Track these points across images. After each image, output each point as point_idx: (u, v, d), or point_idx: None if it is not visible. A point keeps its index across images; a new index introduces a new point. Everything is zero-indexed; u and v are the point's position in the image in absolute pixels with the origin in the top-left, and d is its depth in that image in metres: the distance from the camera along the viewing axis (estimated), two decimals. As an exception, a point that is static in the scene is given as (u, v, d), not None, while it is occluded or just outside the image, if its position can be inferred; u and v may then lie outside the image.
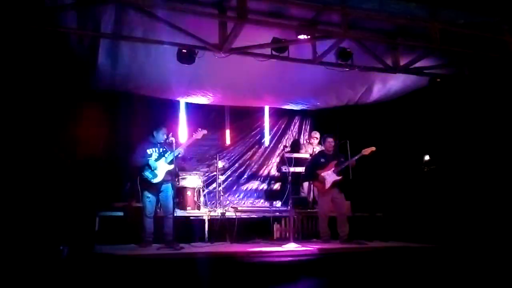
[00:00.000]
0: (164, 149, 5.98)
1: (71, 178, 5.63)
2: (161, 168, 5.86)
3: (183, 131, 8.04)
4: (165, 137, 5.97)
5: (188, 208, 6.98)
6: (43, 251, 4.48)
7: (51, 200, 5.11)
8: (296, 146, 8.88)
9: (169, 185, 5.95)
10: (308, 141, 8.65)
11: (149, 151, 5.95)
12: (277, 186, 8.71)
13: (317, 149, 8.11)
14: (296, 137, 9.20)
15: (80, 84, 6.42)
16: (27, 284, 3.96)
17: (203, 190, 7.61)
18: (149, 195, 5.86)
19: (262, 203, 8.49)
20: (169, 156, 5.87)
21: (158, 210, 6.06)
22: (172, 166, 5.86)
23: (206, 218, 6.81)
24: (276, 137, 9.07)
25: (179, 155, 6.00)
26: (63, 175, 5.49)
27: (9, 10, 4.60)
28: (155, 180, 5.84)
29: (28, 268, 4.09)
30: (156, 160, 5.90)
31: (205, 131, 6.20)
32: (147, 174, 5.83)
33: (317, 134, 8.34)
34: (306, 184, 8.12)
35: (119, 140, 7.35)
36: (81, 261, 4.36)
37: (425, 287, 4.88)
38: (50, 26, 5.01)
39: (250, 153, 8.82)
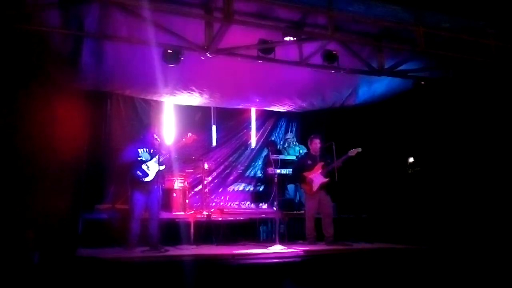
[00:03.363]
0: (154, 150, 5.95)
1: (53, 179, 5.53)
2: (152, 167, 5.84)
3: (169, 132, 7.98)
4: (154, 137, 5.96)
5: (173, 210, 6.93)
6: (19, 256, 4.38)
7: (33, 202, 5.00)
8: (274, 148, 8.81)
9: (157, 186, 5.92)
10: (283, 145, 8.69)
11: (139, 150, 5.92)
12: (263, 188, 8.70)
13: (297, 149, 8.28)
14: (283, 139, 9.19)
15: (64, 83, 6.32)
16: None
17: (189, 192, 7.56)
18: (139, 196, 5.81)
19: (248, 205, 8.46)
20: (158, 157, 5.85)
21: (143, 212, 6.00)
22: (162, 167, 5.86)
23: (192, 220, 6.75)
24: (263, 138, 9.06)
25: (168, 157, 5.99)
26: (45, 176, 5.38)
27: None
28: (147, 179, 5.80)
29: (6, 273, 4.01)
30: (147, 160, 5.87)
31: (194, 136, 6.21)
32: (139, 172, 5.78)
33: (289, 135, 8.62)
34: (291, 186, 8.13)
35: (104, 141, 7.26)
36: (64, 265, 4.28)
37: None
38: (32, 25, 4.92)
39: (236, 155, 8.80)
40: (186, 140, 6.13)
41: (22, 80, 5.11)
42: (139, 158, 5.83)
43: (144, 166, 5.81)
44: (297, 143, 8.62)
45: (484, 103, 6.25)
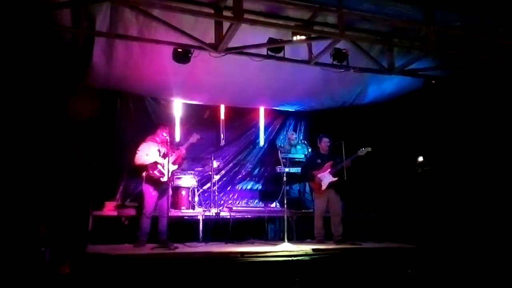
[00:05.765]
0: (166, 149, 5.99)
1: (65, 177, 5.59)
2: (167, 167, 5.88)
3: (178, 131, 8.01)
4: (165, 136, 6.00)
5: (182, 207, 6.98)
6: (32, 253, 4.43)
7: (44, 199, 5.06)
8: (274, 147, 8.82)
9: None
10: (288, 142, 8.65)
11: (154, 149, 5.96)
12: (271, 186, 8.69)
13: (299, 148, 8.28)
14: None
15: (74, 82, 6.38)
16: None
17: (198, 190, 7.60)
18: (152, 194, 5.87)
19: (256, 203, 8.47)
20: (172, 156, 5.89)
21: (153, 209, 6.04)
22: (175, 166, 5.96)
23: (200, 218, 6.79)
24: (271, 137, 9.07)
25: (179, 155, 6.06)
26: (56, 173, 5.44)
27: (3, 8, 4.55)
28: (164, 179, 5.85)
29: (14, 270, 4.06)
30: (163, 159, 5.92)
31: (198, 136, 6.28)
32: (157, 173, 5.83)
33: (294, 135, 8.61)
34: (295, 185, 8.12)
35: (113, 139, 7.31)
36: (74, 262, 4.33)
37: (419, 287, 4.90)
38: (45, 24, 4.97)
39: (244, 153, 8.81)
40: (192, 140, 6.20)
41: (36, 79, 5.16)
42: (156, 158, 5.88)
43: (160, 166, 5.87)
44: (303, 142, 8.63)
45: (495, 102, 6.19)
